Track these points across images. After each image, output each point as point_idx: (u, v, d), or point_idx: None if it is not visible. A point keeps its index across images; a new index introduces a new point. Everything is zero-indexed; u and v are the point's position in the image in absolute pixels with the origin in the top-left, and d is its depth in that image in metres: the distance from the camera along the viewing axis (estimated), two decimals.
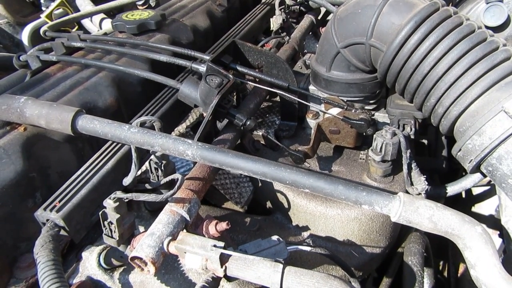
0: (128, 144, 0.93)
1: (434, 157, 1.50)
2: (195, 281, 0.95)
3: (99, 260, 0.97)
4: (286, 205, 1.17)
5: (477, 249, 0.74)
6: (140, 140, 0.89)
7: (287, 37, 1.78)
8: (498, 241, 1.24)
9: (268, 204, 1.25)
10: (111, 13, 2.23)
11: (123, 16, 1.60)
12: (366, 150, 1.28)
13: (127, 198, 0.87)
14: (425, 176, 1.12)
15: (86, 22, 2.19)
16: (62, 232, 0.90)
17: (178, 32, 1.63)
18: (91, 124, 0.92)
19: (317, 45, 1.33)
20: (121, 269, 0.99)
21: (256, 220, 1.16)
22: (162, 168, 1.00)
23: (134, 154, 0.94)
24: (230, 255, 0.79)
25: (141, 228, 1.04)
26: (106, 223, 0.89)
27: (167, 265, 0.98)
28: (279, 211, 1.20)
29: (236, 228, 1.13)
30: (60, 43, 1.37)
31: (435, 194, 1.26)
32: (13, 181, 0.95)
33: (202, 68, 1.19)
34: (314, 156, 1.22)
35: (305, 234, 1.16)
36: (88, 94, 1.21)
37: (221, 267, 0.78)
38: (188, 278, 0.96)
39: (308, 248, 0.94)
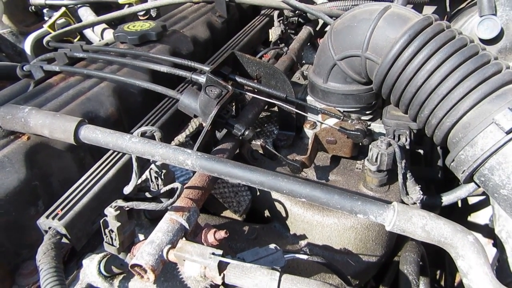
0: (129, 153, 0.95)
1: (430, 167, 1.53)
2: None
3: (99, 268, 0.98)
4: (283, 214, 1.18)
5: (469, 258, 0.76)
6: (141, 150, 0.91)
7: (286, 48, 1.81)
8: (493, 250, 1.26)
9: (266, 213, 1.27)
10: (113, 23, 2.26)
11: (124, 27, 1.63)
12: (362, 160, 1.31)
13: (127, 207, 0.89)
14: (420, 185, 1.14)
15: (88, 32, 2.23)
16: (64, 240, 0.92)
17: (178, 43, 1.66)
18: (93, 134, 0.95)
19: (315, 56, 1.36)
20: (121, 276, 1.00)
21: (254, 229, 1.18)
22: (162, 177, 1.02)
23: (134, 164, 0.96)
24: (228, 263, 0.80)
25: (141, 236, 1.06)
26: (107, 231, 0.90)
27: (166, 272, 0.99)
28: (277, 220, 1.22)
29: (234, 236, 1.15)
30: (63, 54, 1.40)
31: (430, 203, 1.28)
32: (16, 189, 0.97)
33: (202, 79, 1.22)
34: (311, 165, 1.24)
35: (302, 242, 1.17)
36: (90, 104, 1.24)
37: (219, 274, 0.80)
38: (187, 286, 0.97)
39: (305, 257, 0.95)
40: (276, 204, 1.19)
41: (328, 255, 1.13)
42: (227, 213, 1.26)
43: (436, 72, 1.00)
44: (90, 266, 0.99)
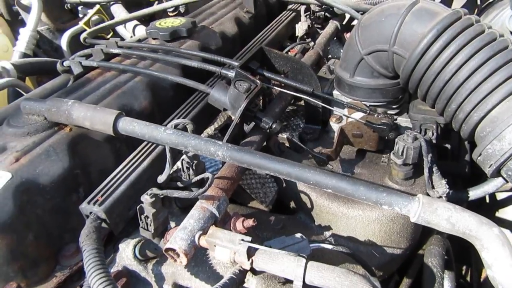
0: (163, 144, 1.01)
1: (457, 162, 1.52)
2: (222, 274, 1.01)
3: (134, 252, 1.04)
4: (309, 205, 1.21)
5: (494, 250, 0.77)
6: (175, 141, 0.96)
7: (312, 43, 1.83)
8: None
9: (292, 204, 1.30)
10: (143, 20, 2.34)
11: (156, 23, 1.69)
12: (388, 154, 1.31)
13: (162, 194, 0.94)
14: (446, 179, 1.15)
15: (120, 29, 2.31)
16: (103, 225, 0.98)
17: (207, 39, 1.71)
18: (130, 126, 1.00)
19: (341, 50, 1.38)
20: (154, 260, 1.05)
21: (280, 219, 1.22)
22: (194, 167, 1.07)
23: (168, 154, 1.01)
24: (256, 249, 0.84)
25: (172, 224, 1.11)
26: (143, 217, 0.96)
27: (196, 258, 1.03)
28: (302, 211, 1.25)
29: (261, 226, 1.19)
30: (100, 50, 1.47)
31: (457, 198, 1.28)
32: (60, 176, 1.05)
33: (231, 74, 1.26)
34: (337, 158, 1.26)
35: (327, 233, 1.20)
36: (125, 98, 1.30)
37: (248, 260, 0.84)
38: (216, 271, 1.02)
39: (330, 246, 0.98)
40: (302, 195, 1.22)
41: (353, 246, 1.15)
42: (254, 204, 1.30)
43: (464, 67, 1.00)
44: (126, 250, 1.05)
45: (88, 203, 0.96)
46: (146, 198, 0.93)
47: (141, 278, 1.05)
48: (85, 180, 1.12)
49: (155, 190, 0.94)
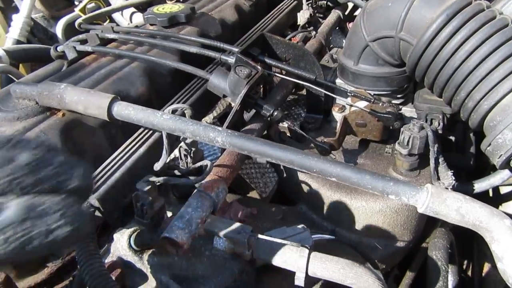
0: (160, 130, 0.96)
1: (461, 154, 1.49)
2: (221, 264, 0.98)
3: (129, 242, 1.00)
4: (310, 196, 1.18)
5: (505, 242, 0.74)
6: (172, 127, 0.92)
7: (314, 32, 1.78)
8: None
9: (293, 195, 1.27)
10: (140, 7, 2.28)
11: (154, 9, 1.64)
12: (392, 144, 1.28)
13: (159, 182, 0.90)
14: (452, 171, 1.12)
15: (117, 16, 2.26)
16: (97, 213, 0.94)
17: (207, 25, 1.66)
18: (126, 111, 0.96)
19: (343, 40, 1.34)
20: (150, 251, 1.02)
21: (281, 210, 1.18)
22: (192, 155, 1.03)
23: (165, 140, 0.97)
24: (257, 239, 0.81)
25: (169, 213, 1.07)
26: (138, 205, 0.92)
27: (194, 249, 1.01)
28: (303, 202, 1.22)
29: (260, 216, 1.15)
30: (95, 35, 1.42)
31: (462, 190, 1.23)
32: None
33: (231, 60, 1.22)
34: (339, 148, 1.23)
35: (329, 225, 1.17)
36: (121, 83, 1.26)
37: (248, 250, 0.81)
38: (214, 262, 0.99)
39: (332, 238, 0.95)
40: (303, 185, 1.18)
41: (355, 238, 1.12)
42: (254, 194, 1.26)
43: (475, 53, 0.96)
44: (121, 240, 1.01)
45: None
46: (141, 185, 0.89)
47: (136, 269, 1.01)
48: None
49: (151, 178, 0.90)
